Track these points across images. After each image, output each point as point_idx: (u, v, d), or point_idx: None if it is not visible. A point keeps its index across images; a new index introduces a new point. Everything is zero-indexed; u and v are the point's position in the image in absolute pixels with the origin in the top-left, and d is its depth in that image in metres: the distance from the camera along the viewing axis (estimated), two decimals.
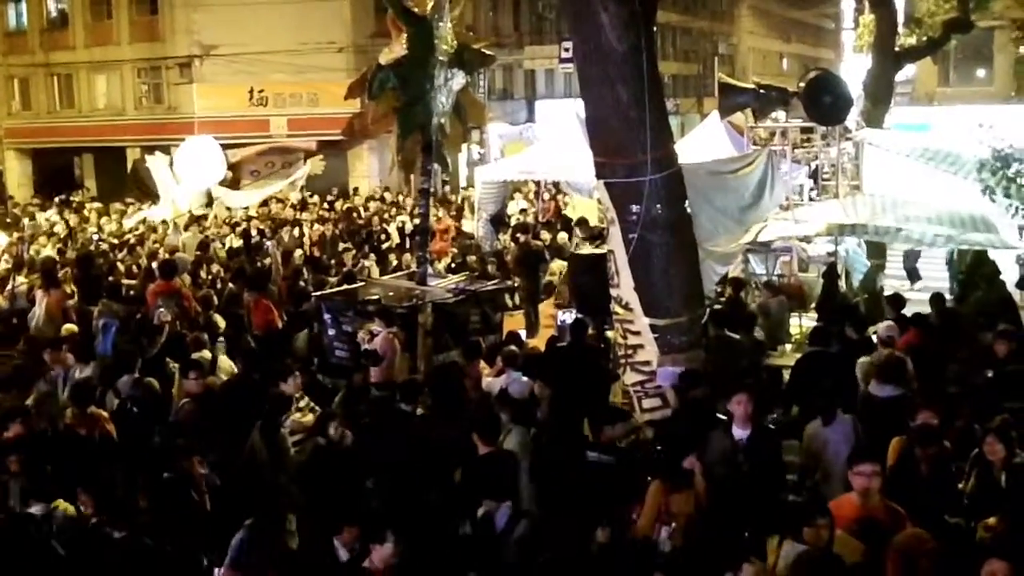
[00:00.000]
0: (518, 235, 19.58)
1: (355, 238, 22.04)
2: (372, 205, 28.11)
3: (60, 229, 25.26)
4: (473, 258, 18.77)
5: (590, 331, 11.71)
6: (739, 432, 8.48)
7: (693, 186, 10.78)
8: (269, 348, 12.09)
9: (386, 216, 25.39)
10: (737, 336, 11.67)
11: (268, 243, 19.46)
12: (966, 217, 14.12)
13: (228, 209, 26.51)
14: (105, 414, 9.95)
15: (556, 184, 26.24)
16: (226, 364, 11.66)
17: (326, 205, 28.84)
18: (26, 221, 27.40)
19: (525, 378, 10.42)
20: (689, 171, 10.79)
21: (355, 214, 26.37)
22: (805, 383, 10.54)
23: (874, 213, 14.13)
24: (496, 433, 8.65)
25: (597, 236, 17.64)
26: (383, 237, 22.66)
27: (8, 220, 27.91)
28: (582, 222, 19.94)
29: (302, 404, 10.10)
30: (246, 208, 27.11)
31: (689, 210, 10.41)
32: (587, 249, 14.86)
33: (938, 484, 7.62)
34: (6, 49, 41.25)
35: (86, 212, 28.46)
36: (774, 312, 14.27)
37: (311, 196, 30.26)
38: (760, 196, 14.26)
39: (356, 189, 33.68)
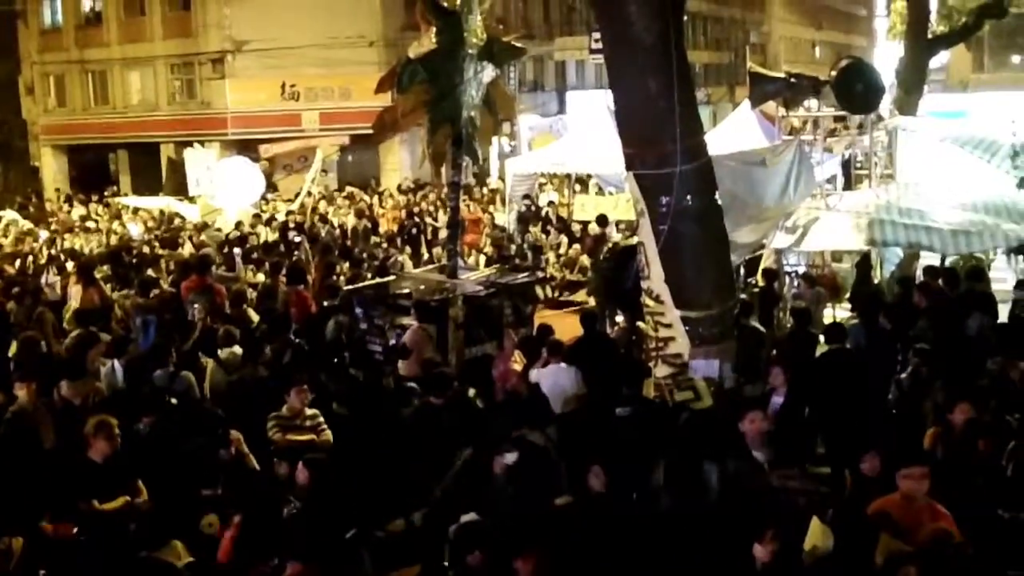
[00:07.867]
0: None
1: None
2: (401, 198, 28.10)
3: (98, 223, 25.45)
4: (506, 251, 18.71)
5: (621, 324, 11.64)
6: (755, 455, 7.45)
7: (719, 177, 10.67)
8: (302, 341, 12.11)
9: (416, 209, 25.39)
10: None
11: (298, 237, 19.50)
12: (1001, 206, 13.93)
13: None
14: (99, 384, 10.23)
15: (580, 179, 25.98)
16: None
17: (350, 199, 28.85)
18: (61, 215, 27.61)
19: (572, 368, 10.24)
20: (716, 162, 10.69)
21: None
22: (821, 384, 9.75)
23: (907, 198, 13.96)
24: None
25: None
26: (414, 231, 22.67)
27: (43, 216, 28.16)
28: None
29: (305, 422, 9.26)
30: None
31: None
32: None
33: (989, 476, 7.35)
34: (41, 46, 41.59)
35: (116, 208, 28.61)
36: (810, 304, 14.16)
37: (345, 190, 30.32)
38: (786, 189, 14.05)
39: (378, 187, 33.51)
